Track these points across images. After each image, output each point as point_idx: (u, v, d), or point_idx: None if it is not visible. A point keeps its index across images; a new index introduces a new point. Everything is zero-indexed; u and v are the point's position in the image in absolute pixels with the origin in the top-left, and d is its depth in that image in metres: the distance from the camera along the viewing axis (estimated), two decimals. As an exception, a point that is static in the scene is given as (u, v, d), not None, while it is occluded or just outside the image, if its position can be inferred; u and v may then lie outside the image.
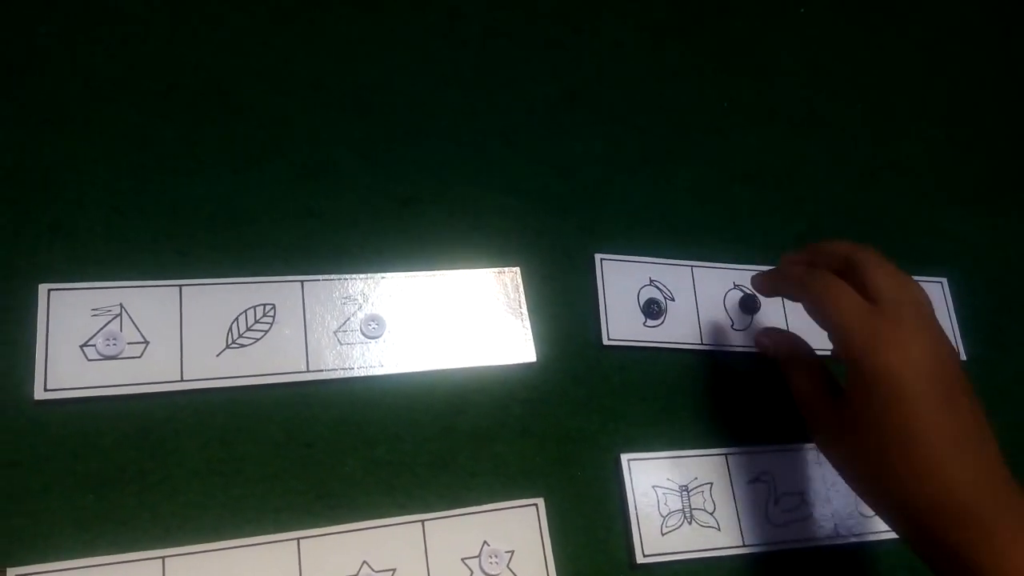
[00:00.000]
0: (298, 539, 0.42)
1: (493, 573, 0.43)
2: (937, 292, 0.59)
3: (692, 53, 0.64)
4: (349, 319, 0.48)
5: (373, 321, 0.48)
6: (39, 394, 0.42)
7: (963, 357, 0.58)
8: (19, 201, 0.46)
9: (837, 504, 0.50)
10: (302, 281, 0.48)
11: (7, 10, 0.50)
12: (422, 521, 0.44)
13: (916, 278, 0.57)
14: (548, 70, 0.60)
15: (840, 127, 0.66)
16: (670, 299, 0.54)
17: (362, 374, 0.47)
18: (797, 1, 0.69)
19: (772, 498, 0.49)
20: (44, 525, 0.40)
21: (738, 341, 0.53)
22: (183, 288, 0.46)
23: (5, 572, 0.38)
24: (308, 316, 0.48)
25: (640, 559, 0.45)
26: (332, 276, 0.49)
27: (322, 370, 0.46)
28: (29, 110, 0.48)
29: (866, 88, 0.68)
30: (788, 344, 0.50)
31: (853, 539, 0.49)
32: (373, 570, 0.42)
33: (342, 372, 0.47)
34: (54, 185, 0.47)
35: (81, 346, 0.43)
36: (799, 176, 0.62)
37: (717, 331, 0.53)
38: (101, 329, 0.44)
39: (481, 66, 0.58)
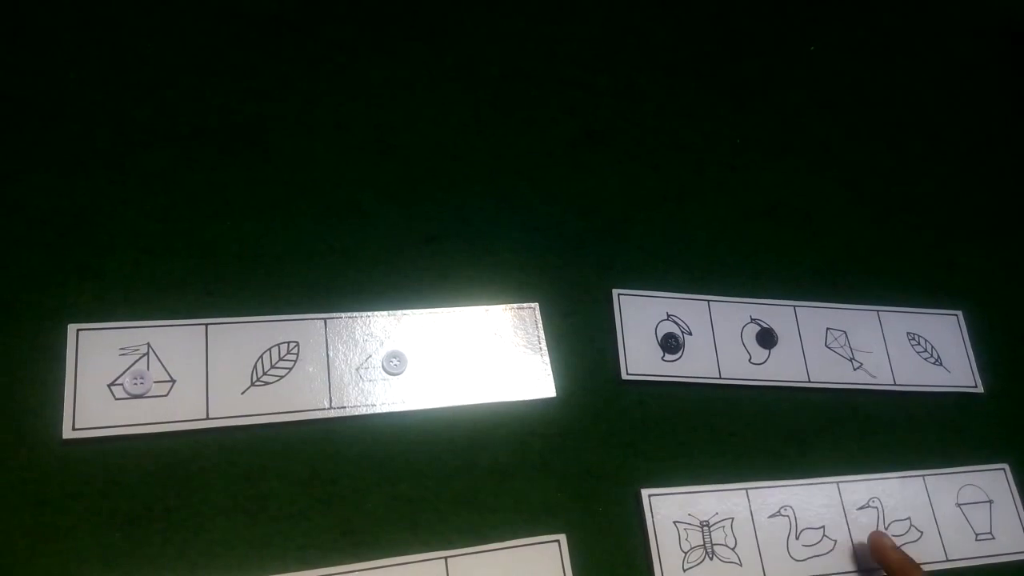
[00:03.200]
0: (323, 578, 0.42)
1: (516, 610, 0.44)
2: (952, 325, 0.60)
3: (706, 92, 0.65)
4: (371, 356, 0.49)
5: (395, 358, 0.49)
6: (67, 433, 0.42)
7: (980, 389, 0.58)
8: (50, 244, 0.47)
9: (858, 536, 0.50)
10: (325, 319, 0.49)
11: (39, 56, 0.52)
12: (445, 558, 0.44)
13: (931, 311, 0.59)
14: (566, 110, 0.61)
15: (854, 164, 0.66)
16: (687, 333, 0.54)
17: (384, 410, 0.47)
18: (807, 41, 0.71)
19: (793, 532, 0.49)
20: (72, 563, 0.40)
21: (756, 375, 0.54)
22: (209, 327, 0.47)
23: (33, 612, 0.39)
24: (331, 353, 0.48)
25: (663, 596, 0.46)
26: (355, 313, 0.49)
27: (345, 407, 0.47)
28: (60, 155, 0.50)
29: (879, 125, 0.69)
30: None
31: (876, 572, 0.49)
32: (397, 609, 0.42)
33: (364, 409, 0.47)
34: (84, 228, 0.48)
35: (109, 385, 0.44)
36: (814, 212, 0.63)
37: (735, 365, 0.54)
38: (128, 368, 0.45)
39: (500, 107, 0.59)
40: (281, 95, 0.55)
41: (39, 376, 0.43)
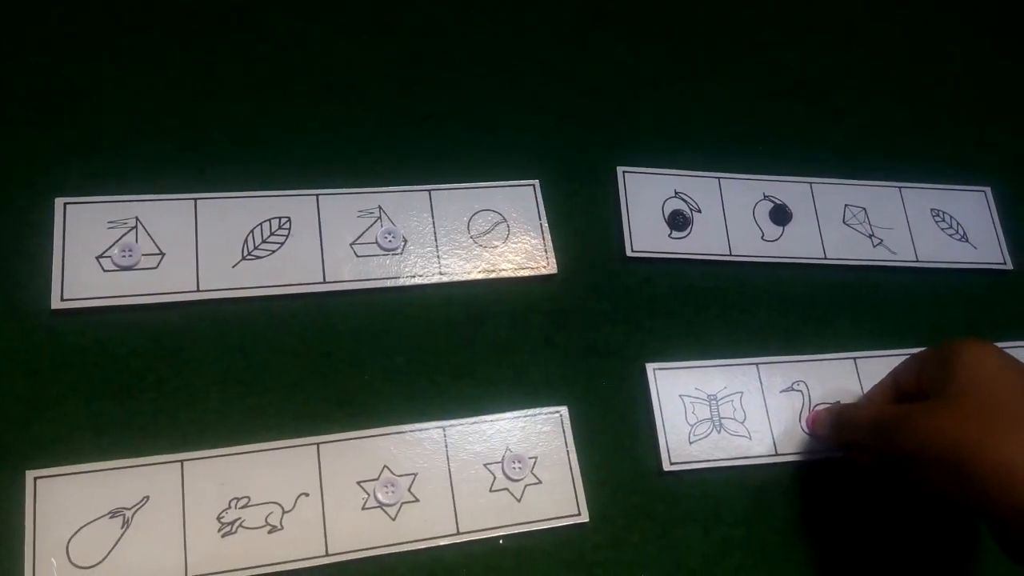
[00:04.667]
0: (318, 444, 0.41)
1: (516, 478, 0.42)
2: (980, 201, 0.56)
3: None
4: (365, 232, 0.47)
5: (390, 234, 0.47)
6: (56, 304, 0.42)
7: (1009, 266, 0.55)
8: (38, 121, 0.46)
9: (877, 414, 0.48)
10: (317, 195, 0.47)
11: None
12: (443, 427, 0.43)
13: (958, 188, 0.55)
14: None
15: (879, 40, 0.63)
16: (696, 210, 0.52)
17: (380, 286, 0.46)
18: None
19: (807, 407, 0.47)
20: (63, 430, 0.40)
21: (769, 252, 0.51)
22: (198, 202, 0.45)
23: (25, 475, 0.39)
24: (324, 229, 0.47)
25: (667, 466, 0.44)
26: (348, 190, 0.48)
27: (339, 281, 0.46)
28: (50, 33, 0.48)
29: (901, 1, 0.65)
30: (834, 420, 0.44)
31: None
32: (394, 474, 0.41)
33: (359, 283, 0.46)
34: (73, 105, 0.47)
35: (97, 257, 0.43)
36: (836, 89, 0.59)
37: (747, 242, 0.51)
38: (117, 241, 0.44)
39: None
40: (268, -29, 0.53)
41: (28, 249, 0.43)
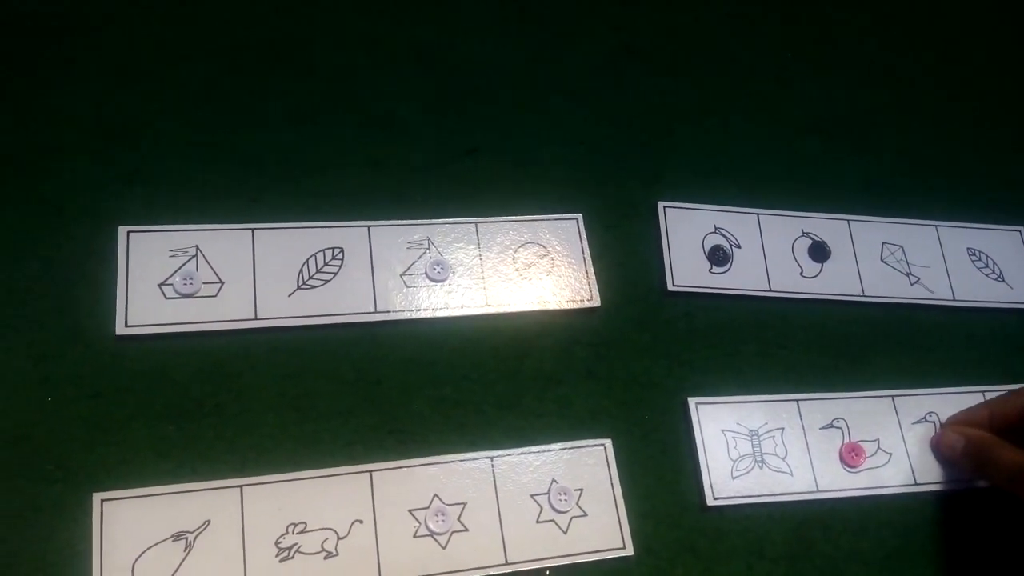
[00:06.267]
0: (371, 472, 0.42)
1: (563, 510, 0.43)
2: (1016, 241, 0.57)
3: (751, 4, 0.63)
4: (415, 263, 0.48)
5: (438, 265, 0.49)
6: (120, 329, 0.43)
7: (1045, 306, 0.56)
8: (100, 151, 0.48)
9: (914, 451, 0.48)
10: (368, 226, 0.49)
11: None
12: (491, 458, 0.44)
13: (993, 227, 0.56)
14: (606, 25, 0.59)
15: (910, 78, 0.64)
16: (736, 246, 0.53)
17: (428, 316, 0.47)
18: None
19: (846, 443, 0.48)
20: (127, 453, 0.41)
21: (807, 288, 0.52)
22: (255, 231, 0.47)
23: (92, 497, 0.40)
24: (375, 259, 0.48)
25: (711, 501, 0.45)
26: (397, 222, 0.49)
27: (389, 311, 0.47)
28: (108, 67, 0.50)
29: (936, 39, 0.66)
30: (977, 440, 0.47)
31: (931, 487, 0.48)
32: (444, 503, 0.42)
33: (409, 313, 0.47)
34: (132, 136, 0.49)
35: (159, 285, 0.45)
36: (868, 127, 0.60)
37: (786, 278, 0.52)
38: (178, 269, 0.45)
39: (540, 22, 0.58)
40: (321, 9, 0.55)
41: (93, 276, 0.44)
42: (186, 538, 0.39)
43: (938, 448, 0.49)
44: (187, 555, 0.39)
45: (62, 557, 0.38)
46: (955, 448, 0.47)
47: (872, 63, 0.64)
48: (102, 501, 0.39)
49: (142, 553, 0.39)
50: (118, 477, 0.40)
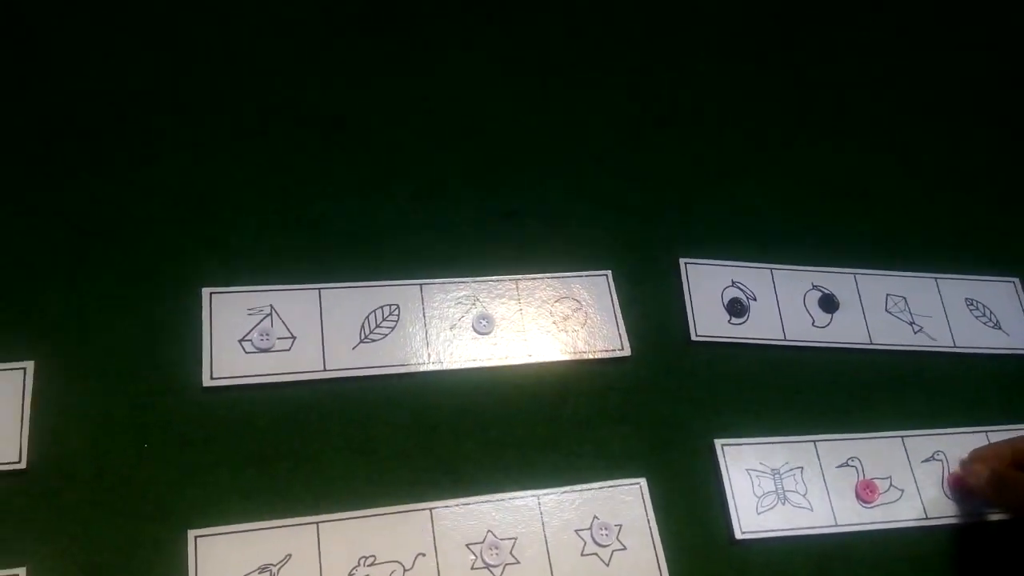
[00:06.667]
0: (431, 509, 0.47)
1: (604, 544, 0.47)
2: (1010, 291, 0.62)
3: (764, 74, 0.70)
4: (463, 317, 0.54)
5: (484, 319, 0.54)
6: (206, 382, 0.48)
7: (1041, 352, 0.60)
8: (185, 220, 0.53)
9: (924, 487, 0.53)
10: (421, 285, 0.54)
11: (162, 60, 0.59)
12: (537, 496, 0.48)
13: (989, 279, 0.61)
14: (633, 95, 0.66)
15: (908, 140, 0.69)
16: (752, 299, 0.58)
17: (475, 366, 0.52)
18: (860, 25, 0.74)
19: (861, 481, 0.52)
20: (215, 494, 0.46)
21: (819, 337, 0.57)
22: (322, 291, 0.52)
23: (187, 534, 0.44)
24: (427, 315, 0.53)
25: (739, 535, 0.49)
26: (447, 280, 0.55)
27: (441, 362, 0.52)
28: (191, 143, 0.56)
29: (932, 103, 0.72)
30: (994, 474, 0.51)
31: (943, 521, 0.52)
32: (497, 538, 0.47)
33: (459, 364, 0.52)
34: (212, 206, 0.54)
35: (239, 340, 0.50)
36: (872, 187, 0.66)
37: (799, 328, 0.57)
38: (256, 326, 0.50)
39: (570, 94, 0.65)
40: (374, 87, 0.61)
41: (180, 334, 0.50)
42: (271, 570, 0.44)
43: (964, 478, 0.52)
44: (271, 586, 0.44)
45: (159, 588, 0.43)
46: (980, 478, 0.51)
47: (877, 128, 0.69)
48: (196, 538, 0.44)
49: (233, 586, 0.43)
50: (208, 516, 0.45)
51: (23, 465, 0.44)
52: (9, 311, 0.49)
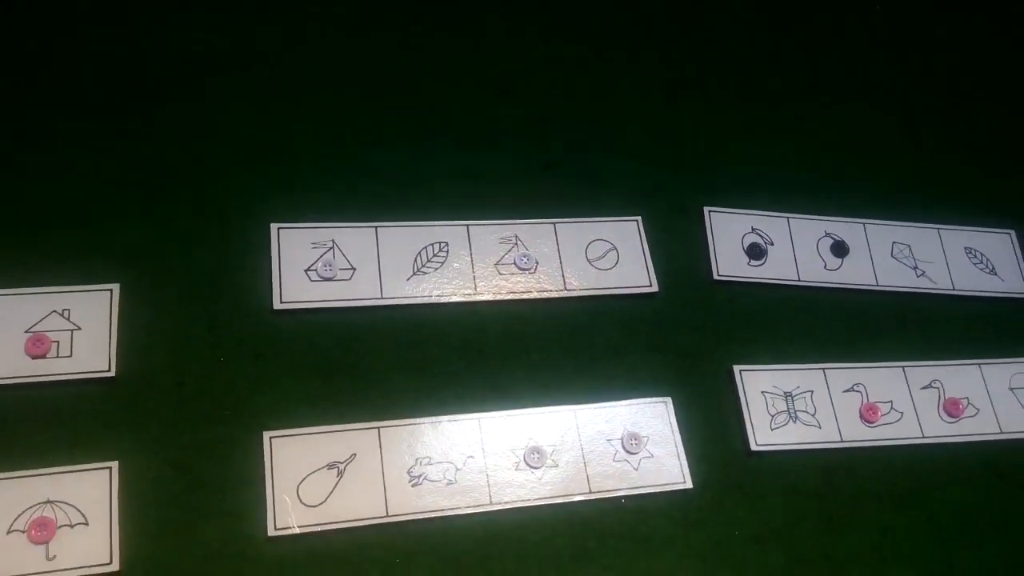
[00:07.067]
0: (479, 419, 0.52)
1: (634, 452, 0.53)
2: (1006, 241, 0.67)
3: (783, 41, 0.74)
4: (505, 254, 0.59)
5: (525, 257, 0.59)
6: (276, 305, 0.54)
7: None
8: (255, 163, 0.59)
9: (922, 409, 0.58)
10: (467, 225, 0.59)
11: (234, 22, 0.64)
12: (574, 410, 0.54)
13: (987, 230, 0.66)
14: (664, 58, 0.71)
15: (916, 105, 0.74)
16: (770, 244, 0.63)
17: (518, 297, 0.57)
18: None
19: (865, 404, 0.57)
20: (285, 402, 0.51)
21: (830, 279, 0.62)
22: (378, 228, 0.58)
23: (262, 435, 0.50)
24: (474, 252, 0.58)
25: (754, 447, 0.54)
26: (491, 222, 0.60)
27: (486, 294, 0.57)
28: (260, 95, 0.61)
29: (938, 72, 0.77)
30: None
31: (937, 440, 0.57)
32: (538, 444, 0.52)
33: (502, 296, 0.57)
34: (279, 151, 0.60)
35: (305, 270, 0.55)
36: (880, 145, 0.71)
37: (812, 270, 0.62)
38: (319, 258, 0.56)
39: (605, 57, 0.70)
40: (424, 47, 0.66)
41: (251, 262, 0.55)
42: (338, 467, 0.49)
43: None
44: (339, 480, 0.49)
45: (241, 481, 0.49)
46: None
47: (885, 92, 0.74)
48: (270, 438, 0.49)
49: (304, 478, 0.48)
50: (279, 419, 0.50)
51: (112, 373, 0.50)
52: (97, 240, 0.54)
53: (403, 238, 0.58)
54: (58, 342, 0.50)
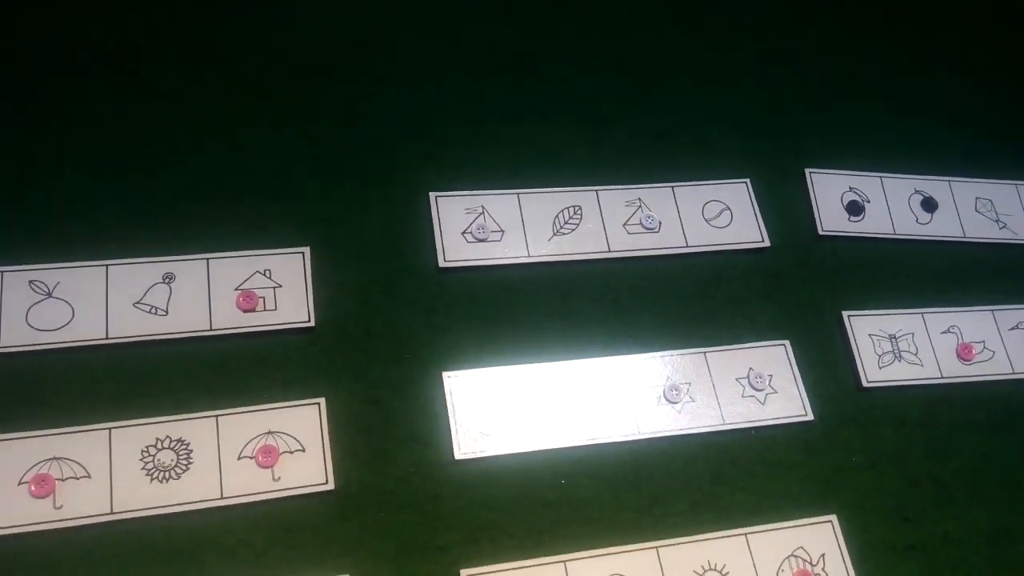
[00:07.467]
0: (621, 360, 0.59)
1: (760, 389, 0.60)
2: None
3: (877, 16, 0.80)
4: (632, 215, 0.65)
5: (649, 218, 0.65)
6: (441, 264, 0.61)
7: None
8: (409, 140, 0.65)
9: (1011, 350, 0.64)
10: (597, 191, 0.66)
11: (396, 13, 0.70)
12: (704, 352, 0.61)
13: None
14: (761, 33, 0.77)
15: (996, 67, 0.80)
16: (866, 201, 0.69)
17: (645, 254, 0.64)
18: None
19: (960, 344, 0.64)
20: (455, 346, 0.58)
21: (922, 232, 0.68)
22: (520, 195, 0.64)
23: (441, 375, 0.57)
24: (604, 214, 0.65)
25: (865, 384, 0.61)
26: (617, 187, 0.66)
27: (618, 251, 0.64)
28: (409, 78, 0.68)
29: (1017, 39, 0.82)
30: None
31: (1026, 376, 0.64)
32: (675, 383, 0.59)
33: (632, 252, 0.64)
34: (428, 128, 0.66)
35: (461, 233, 0.62)
36: (964, 107, 0.77)
37: (906, 225, 0.68)
38: (473, 222, 0.63)
39: (711, 31, 0.76)
40: (552, 31, 0.73)
41: (417, 227, 0.62)
42: (505, 402, 0.56)
43: None
44: (508, 413, 0.56)
45: (426, 414, 0.56)
46: None
47: (964, 56, 0.80)
48: (447, 377, 0.57)
49: (479, 411, 0.56)
50: (453, 361, 0.58)
51: (312, 324, 0.58)
52: (288, 209, 0.61)
53: (542, 203, 0.65)
54: (264, 298, 0.57)
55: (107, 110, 0.62)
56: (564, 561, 0.53)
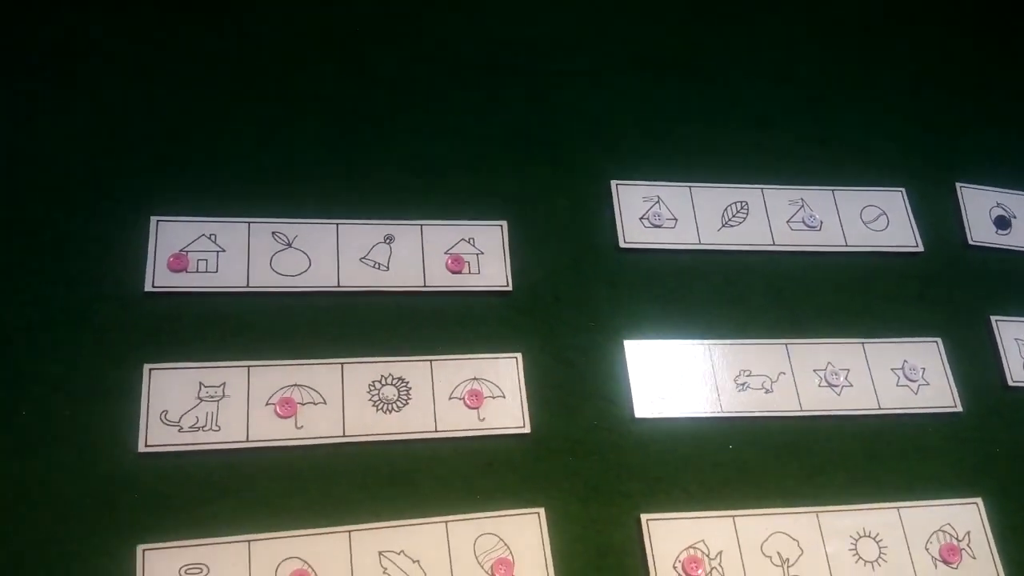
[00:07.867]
0: (786, 344, 0.64)
1: (913, 380, 0.65)
2: None
3: (1016, 41, 0.84)
4: (794, 215, 0.71)
5: (811, 217, 0.71)
6: (621, 244, 0.67)
7: None
8: (592, 131, 0.72)
9: None
10: (762, 189, 0.72)
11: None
12: (862, 343, 0.65)
13: None
14: (914, 56, 0.81)
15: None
16: (1013, 217, 0.73)
17: (805, 250, 0.70)
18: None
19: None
20: (635, 316, 0.64)
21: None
22: (692, 189, 0.70)
23: (622, 343, 0.63)
24: (769, 211, 0.71)
25: (1010, 382, 0.65)
26: (780, 187, 0.72)
27: (783, 244, 0.69)
28: (589, 77, 0.75)
29: None
30: None
31: None
32: (835, 368, 0.64)
33: (792, 247, 0.69)
34: (609, 123, 0.73)
35: (639, 218, 0.69)
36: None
37: (1057, 240, 0.72)
38: (649, 209, 0.69)
39: (865, 49, 0.81)
40: (713, 39, 0.79)
41: (598, 209, 0.68)
42: (679, 372, 0.62)
43: None
44: (681, 381, 0.62)
45: (609, 376, 0.62)
46: None
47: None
48: (628, 344, 0.63)
49: (656, 378, 0.62)
50: (631, 331, 0.64)
51: (510, 288, 0.65)
52: (489, 185, 0.68)
53: (711, 197, 0.71)
54: (468, 263, 0.65)
55: (339, 95, 0.71)
56: (732, 516, 0.59)
